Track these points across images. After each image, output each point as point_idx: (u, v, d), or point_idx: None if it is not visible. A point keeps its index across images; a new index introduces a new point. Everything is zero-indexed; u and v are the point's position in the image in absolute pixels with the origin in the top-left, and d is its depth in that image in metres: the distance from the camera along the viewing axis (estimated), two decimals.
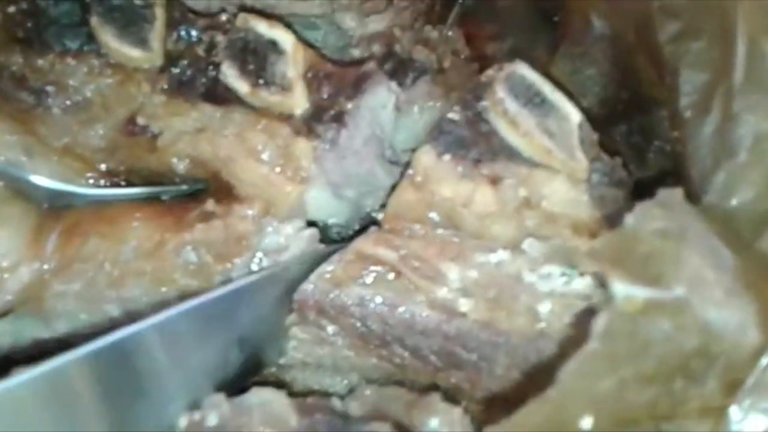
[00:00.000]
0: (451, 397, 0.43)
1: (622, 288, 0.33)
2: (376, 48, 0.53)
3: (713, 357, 0.34)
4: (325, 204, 0.49)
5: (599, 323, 0.33)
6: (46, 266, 0.46)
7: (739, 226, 0.41)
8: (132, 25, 0.51)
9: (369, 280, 0.43)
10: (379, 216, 0.47)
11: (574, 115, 0.44)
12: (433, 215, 0.44)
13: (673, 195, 0.36)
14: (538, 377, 0.41)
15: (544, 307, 0.41)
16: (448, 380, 0.44)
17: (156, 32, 0.51)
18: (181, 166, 0.48)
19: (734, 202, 0.42)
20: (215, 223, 0.45)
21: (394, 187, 0.52)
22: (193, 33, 0.51)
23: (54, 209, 0.48)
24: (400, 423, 0.44)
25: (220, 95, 0.48)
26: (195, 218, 0.45)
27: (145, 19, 0.51)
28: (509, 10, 0.58)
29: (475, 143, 0.44)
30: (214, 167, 0.47)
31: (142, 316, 0.45)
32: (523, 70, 0.45)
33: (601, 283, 0.39)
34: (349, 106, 0.48)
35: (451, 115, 0.45)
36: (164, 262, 0.45)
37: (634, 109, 0.49)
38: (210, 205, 0.46)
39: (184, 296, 0.45)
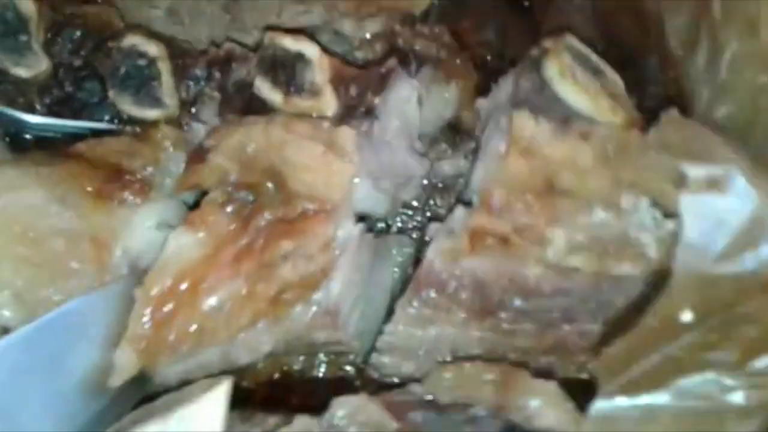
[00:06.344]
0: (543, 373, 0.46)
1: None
2: (379, 47, 0.56)
3: None
4: (367, 195, 0.51)
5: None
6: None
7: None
8: (144, 86, 0.53)
9: (483, 251, 0.44)
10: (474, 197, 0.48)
11: (618, 78, 0.48)
12: (538, 181, 0.44)
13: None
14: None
15: (650, 250, 0.44)
16: (556, 337, 0.46)
17: (165, 87, 0.53)
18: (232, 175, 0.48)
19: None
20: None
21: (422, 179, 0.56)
22: (198, 73, 0.53)
23: None
24: (495, 405, 0.45)
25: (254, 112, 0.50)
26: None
27: (152, 76, 0.53)
28: (480, 5, 0.62)
29: (548, 108, 0.45)
30: (265, 161, 0.47)
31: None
32: (573, 41, 0.47)
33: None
34: (377, 100, 0.50)
35: (522, 82, 0.45)
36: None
37: (624, 64, 0.54)
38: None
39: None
